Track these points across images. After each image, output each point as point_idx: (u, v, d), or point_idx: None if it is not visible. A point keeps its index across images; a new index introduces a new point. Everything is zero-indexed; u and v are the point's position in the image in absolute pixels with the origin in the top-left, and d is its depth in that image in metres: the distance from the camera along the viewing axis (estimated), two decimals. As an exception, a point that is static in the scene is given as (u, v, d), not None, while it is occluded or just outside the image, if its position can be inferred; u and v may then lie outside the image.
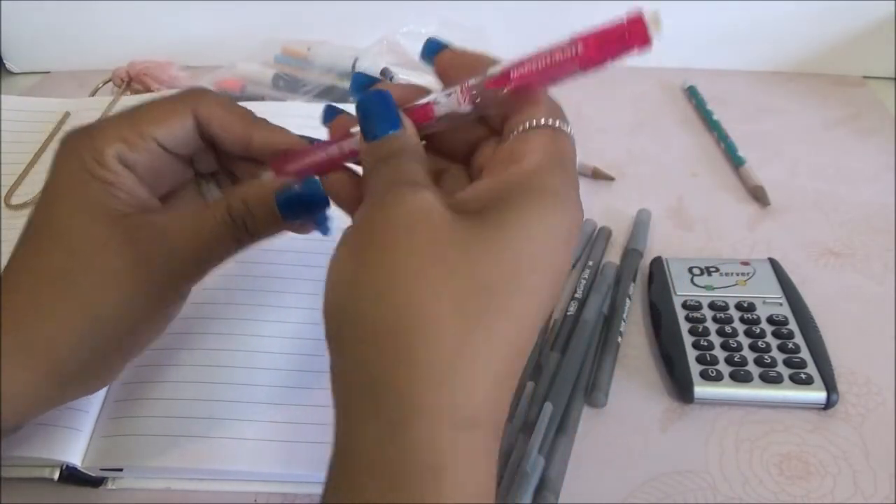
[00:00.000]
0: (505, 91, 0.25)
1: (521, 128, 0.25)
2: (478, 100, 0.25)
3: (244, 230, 0.28)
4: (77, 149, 0.27)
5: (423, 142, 0.27)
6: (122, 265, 0.26)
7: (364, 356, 0.20)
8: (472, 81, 0.25)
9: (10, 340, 0.25)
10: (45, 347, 0.25)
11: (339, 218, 0.29)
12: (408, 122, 0.26)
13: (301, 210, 0.28)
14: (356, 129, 0.27)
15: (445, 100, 0.26)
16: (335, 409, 0.22)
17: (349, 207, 0.28)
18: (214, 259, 0.29)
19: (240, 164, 0.31)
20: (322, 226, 0.31)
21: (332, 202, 0.28)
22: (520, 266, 0.21)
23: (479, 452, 0.20)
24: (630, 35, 0.24)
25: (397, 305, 0.20)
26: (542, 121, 0.25)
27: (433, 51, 0.28)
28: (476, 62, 0.26)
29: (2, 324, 0.25)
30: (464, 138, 0.28)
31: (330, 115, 0.29)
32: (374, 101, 0.25)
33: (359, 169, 0.28)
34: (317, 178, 0.28)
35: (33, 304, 0.25)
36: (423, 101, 0.26)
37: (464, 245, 0.21)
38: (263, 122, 0.30)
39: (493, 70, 0.25)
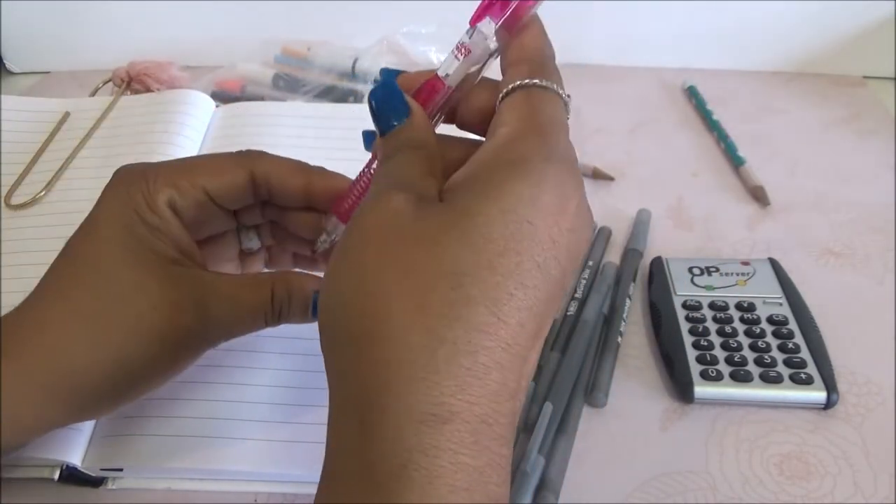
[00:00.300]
0: (494, 26, 0.25)
1: (502, 93, 0.24)
2: (471, 49, 0.25)
3: (277, 316, 0.29)
4: (130, 187, 0.27)
5: (441, 121, 0.27)
6: (158, 315, 0.26)
7: (338, 359, 0.21)
8: (461, 38, 0.26)
9: (31, 371, 0.25)
10: (63, 381, 0.26)
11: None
12: (416, 107, 0.25)
13: None
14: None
15: (445, 64, 0.26)
16: (329, 406, 0.22)
17: None
18: (243, 330, 0.29)
19: (289, 215, 0.32)
20: None
21: None
22: (490, 248, 0.20)
23: (456, 446, 0.19)
24: None
25: (361, 309, 0.20)
26: (518, 82, 0.24)
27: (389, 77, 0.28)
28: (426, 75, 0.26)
29: (29, 355, 0.25)
30: (478, 108, 0.27)
31: (369, 140, 0.29)
32: (380, 94, 0.25)
33: None
34: None
35: (58, 338, 0.26)
36: (429, 77, 0.26)
37: (427, 239, 0.20)
38: (321, 170, 0.30)
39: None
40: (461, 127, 0.28)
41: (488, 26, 0.25)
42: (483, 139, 0.25)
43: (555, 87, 0.24)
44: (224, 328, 0.29)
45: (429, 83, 0.26)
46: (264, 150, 0.31)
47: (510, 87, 0.24)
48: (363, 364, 0.20)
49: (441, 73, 0.26)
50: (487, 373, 0.19)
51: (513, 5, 0.25)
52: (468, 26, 0.26)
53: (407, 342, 0.19)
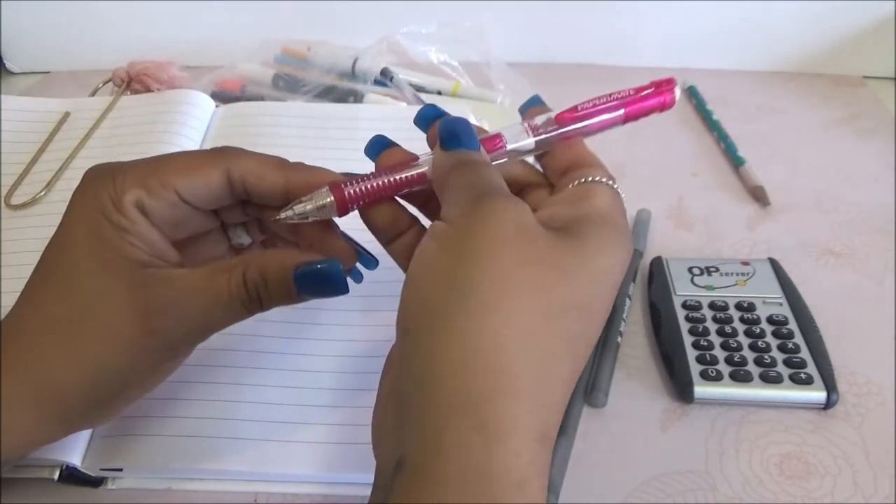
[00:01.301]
0: (562, 130, 0.28)
1: (584, 179, 0.27)
2: (540, 134, 0.28)
3: (256, 301, 0.27)
4: (97, 189, 0.26)
5: None
6: (127, 321, 0.25)
7: (454, 362, 0.20)
8: (536, 120, 0.28)
9: (14, 386, 0.25)
10: (48, 394, 0.25)
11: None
12: (483, 150, 0.27)
13: (318, 287, 0.27)
14: (423, 156, 0.28)
15: (511, 133, 0.28)
16: (402, 410, 0.22)
17: (387, 238, 0.28)
18: (221, 323, 0.28)
19: (269, 213, 0.30)
20: (364, 259, 0.31)
21: (376, 237, 0.29)
22: (596, 290, 0.23)
23: (547, 464, 0.21)
24: (664, 93, 0.29)
25: (495, 317, 0.20)
26: (603, 179, 0.27)
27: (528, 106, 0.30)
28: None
29: (5, 369, 0.25)
30: (514, 180, 0.29)
31: (379, 147, 0.29)
32: (457, 121, 0.27)
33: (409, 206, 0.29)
34: (338, 259, 0.27)
35: (36, 351, 0.25)
36: (493, 133, 0.28)
37: (557, 263, 0.22)
38: (300, 165, 0.29)
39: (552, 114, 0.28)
40: None
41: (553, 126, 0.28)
42: None
43: (623, 196, 0.28)
44: (201, 325, 0.27)
45: (493, 137, 0.28)
46: (264, 150, 0.30)
47: (600, 178, 0.27)
48: (491, 372, 0.20)
49: (503, 138, 0.28)
50: (568, 398, 0.22)
51: (588, 123, 0.28)
52: (552, 120, 0.28)
53: (537, 362, 0.21)
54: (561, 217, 0.25)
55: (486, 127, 0.46)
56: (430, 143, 0.28)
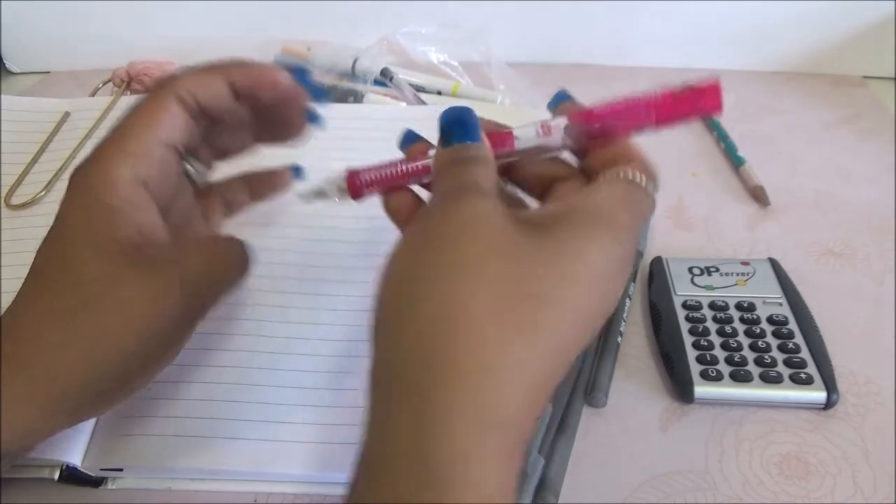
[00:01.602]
0: (586, 127, 0.27)
1: (613, 174, 0.26)
2: (559, 135, 0.27)
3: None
4: (86, 176, 0.27)
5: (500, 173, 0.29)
6: (131, 303, 0.25)
7: (407, 348, 0.21)
8: (548, 120, 0.27)
9: (17, 381, 0.24)
10: (52, 385, 0.25)
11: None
12: (485, 139, 0.27)
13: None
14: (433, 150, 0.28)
15: (523, 131, 0.27)
16: (371, 396, 0.22)
17: (400, 224, 0.29)
18: (228, 286, 0.29)
19: (227, 136, 0.32)
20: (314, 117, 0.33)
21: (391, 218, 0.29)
22: (568, 282, 0.22)
23: (504, 453, 0.20)
24: (705, 98, 0.26)
25: (443, 304, 0.21)
26: (637, 177, 0.26)
27: (557, 101, 0.29)
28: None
29: (7, 365, 0.25)
30: (541, 175, 0.29)
31: (409, 140, 0.30)
32: (458, 112, 0.27)
33: (422, 192, 0.29)
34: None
35: (39, 343, 0.25)
36: (505, 130, 0.28)
37: (517, 254, 0.22)
38: (236, 62, 0.31)
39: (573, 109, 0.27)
40: (516, 181, 0.30)
41: (571, 127, 0.27)
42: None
43: (655, 195, 0.27)
44: (209, 287, 0.28)
45: (504, 134, 0.27)
46: (264, 150, 0.31)
47: (631, 175, 0.26)
48: (435, 358, 0.20)
49: (517, 133, 0.27)
50: (540, 393, 0.21)
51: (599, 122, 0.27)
52: (565, 118, 0.27)
53: (486, 348, 0.20)
54: (549, 212, 0.24)
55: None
56: None
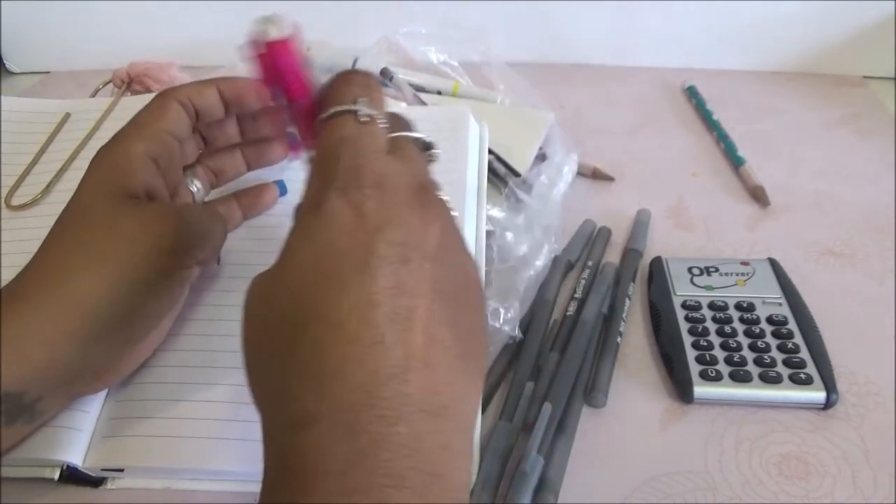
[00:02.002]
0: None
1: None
2: None
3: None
4: (107, 151, 0.32)
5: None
6: (138, 231, 0.29)
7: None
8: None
9: (38, 306, 0.28)
10: (70, 309, 0.28)
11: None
12: None
13: None
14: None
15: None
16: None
17: None
18: (207, 241, 0.33)
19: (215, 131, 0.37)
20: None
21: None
22: (305, 288, 0.23)
23: (327, 440, 0.20)
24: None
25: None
26: (328, 111, 0.26)
27: None
28: None
29: (30, 293, 0.28)
30: None
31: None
32: None
33: None
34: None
35: (59, 273, 0.28)
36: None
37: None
38: (224, 77, 0.36)
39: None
40: None
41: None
42: None
43: (329, 111, 0.27)
44: (202, 225, 0.32)
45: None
46: None
47: (323, 115, 0.27)
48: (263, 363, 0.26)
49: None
50: (357, 376, 0.21)
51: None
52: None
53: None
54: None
55: (485, 131, 0.46)
56: None
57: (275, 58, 0.30)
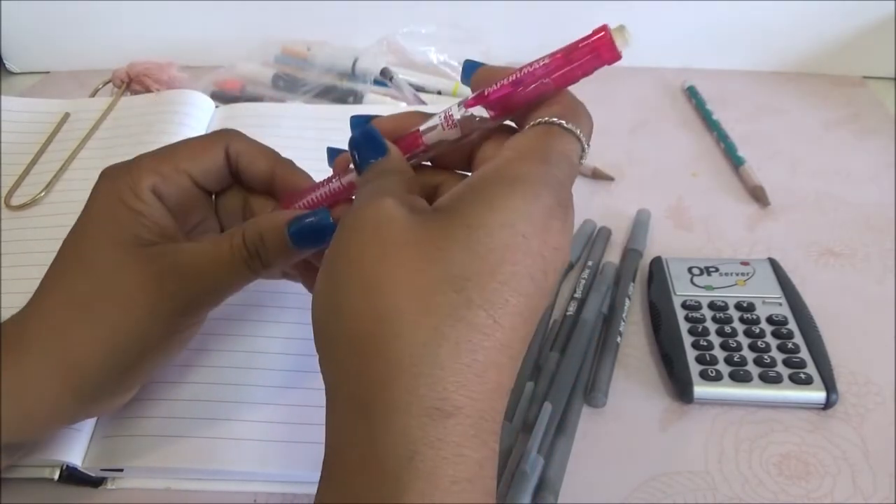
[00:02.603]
0: (490, 117, 0.26)
1: (531, 124, 0.25)
2: (462, 125, 0.27)
3: (257, 259, 0.29)
4: (115, 181, 0.29)
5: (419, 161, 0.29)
6: (142, 290, 0.27)
7: (340, 357, 0.22)
8: (452, 108, 0.27)
9: (36, 359, 0.26)
10: (69, 367, 0.27)
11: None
12: (394, 149, 0.27)
13: (311, 238, 0.29)
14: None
15: (431, 130, 0.27)
16: (326, 408, 0.23)
17: None
18: (229, 286, 0.30)
19: (260, 202, 0.33)
20: None
21: None
22: (490, 256, 0.21)
23: (461, 439, 0.20)
24: (599, 52, 0.25)
25: (366, 309, 0.21)
26: (546, 119, 0.25)
27: (469, 71, 0.29)
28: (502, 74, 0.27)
29: (28, 344, 0.27)
30: (463, 149, 0.29)
31: (332, 155, 0.31)
32: (361, 136, 0.27)
33: None
34: (326, 207, 0.29)
35: (57, 326, 0.27)
36: (412, 131, 0.28)
37: (427, 243, 0.21)
38: (288, 162, 0.32)
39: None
40: (440, 161, 0.30)
41: (480, 111, 0.26)
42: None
43: (578, 131, 0.25)
44: (210, 288, 0.29)
45: (411, 137, 0.28)
46: None
47: (535, 122, 0.25)
48: (369, 361, 0.21)
49: (423, 130, 0.27)
50: (486, 371, 0.21)
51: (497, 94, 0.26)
52: (463, 106, 0.27)
53: (413, 340, 0.20)
54: (453, 195, 0.23)
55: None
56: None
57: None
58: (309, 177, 0.32)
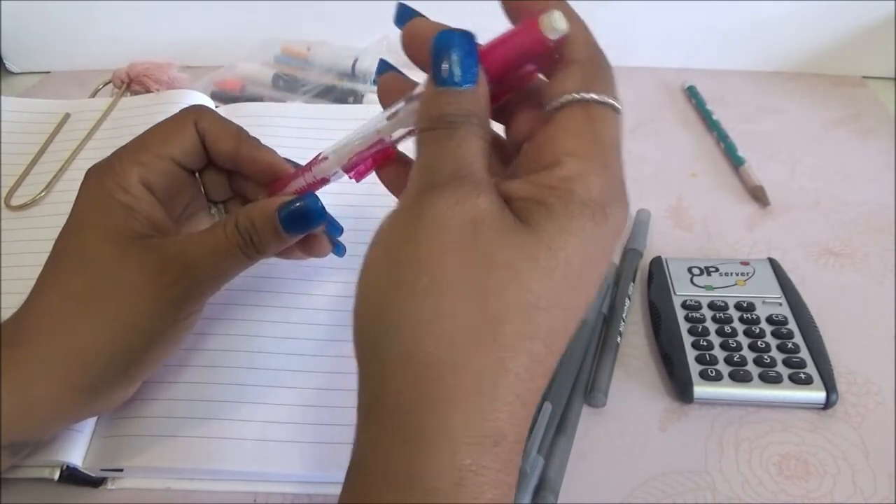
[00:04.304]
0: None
1: (552, 104, 0.23)
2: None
3: (251, 245, 0.29)
4: (100, 177, 0.29)
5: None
6: (139, 282, 0.28)
7: (390, 373, 0.20)
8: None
9: (39, 355, 0.27)
10: (73, 360, 0.27)
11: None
12: (483, 80, 0.23)
13: (300, 223, 0.29)
14: (325, 154, 0.29)
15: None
16: (359, 413, 0.22)
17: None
18: (225, 273, 0.30)
19: (249, 185, 0.33)
20: (337, 248, 0.34)
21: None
22: (563, 287, 0.21)
23: (501, 465, 0.20)
24: (530, 44, 0.22)
25: (432, 328, 0.20)
26: (575, 95, 0.22)
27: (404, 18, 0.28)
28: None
29: (30, 341, 0.27)
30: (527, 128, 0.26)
31: (383, 69, 0.29)
32: (458, 40, 0.23)
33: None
34: (316, 194, 0.29)
35: (60, 321, 0.27)
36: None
37: (504, 262, 0.20)
38: (253, 141, 0.32)
39: None
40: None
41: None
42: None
43: (612, 101, 0.23)
44: (205, 276, 0.29)
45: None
46: None
47: (566, 98, 0.22)
48: (425, 385, 0.20)
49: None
50: (531, 398, 0.21)
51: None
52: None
53: (476, 370, 0.20)
54: (520, 194, 0.22)
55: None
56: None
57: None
58: (275, 153, 0.32)
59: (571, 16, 0.23)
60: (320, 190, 0.31)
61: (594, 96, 0.22)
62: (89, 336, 0.27)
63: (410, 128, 0.26)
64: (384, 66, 0.29)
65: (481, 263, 0.20)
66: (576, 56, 0.23)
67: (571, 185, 0.21)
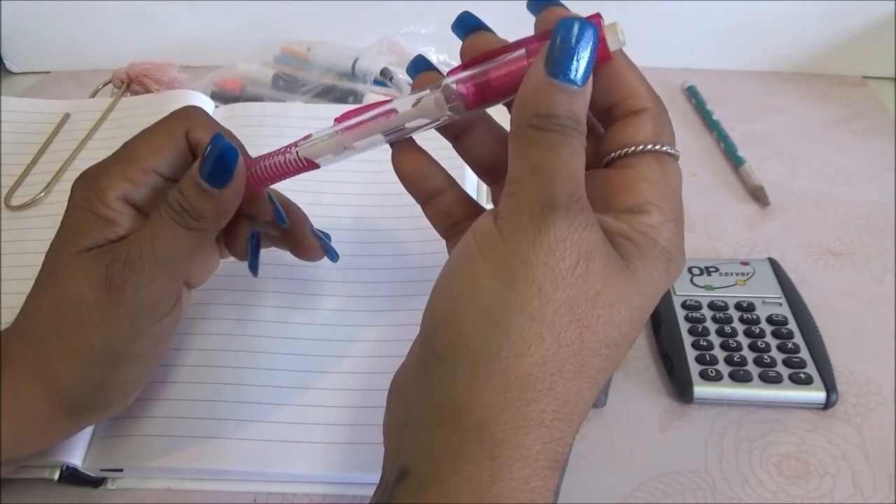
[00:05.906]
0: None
1: (624, 151, 0.24)
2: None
3: (184, 213, 0.27)
4: (84, 192, 0.28)
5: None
6: (90, 297, 0.26)
7: (482, 399, 0.21)
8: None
9: (23, 382, 0.27)
10: (51, 385, 0.27)
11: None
12: (591, 84, 0.22)
13: (218, 169, 0.27)
14: (302, 142, 0.28)
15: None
16: (413, 414, 0.23)
17: (421, 197, 0.30)
18: (173, 258, 0.27)
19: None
20: (330, 254, 0.34)
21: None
22: (635, 323, 0.22)
23: (553, 486, 0.21)
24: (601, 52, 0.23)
25: (532, 357, 0.21)
26: (651, 146, 0.24)
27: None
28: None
29: (15, 365, 0.27)
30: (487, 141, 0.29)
31: (419, 68, 0.30)
32: (591, 34, 0.22)
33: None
34: (221, 134, 0.28)
35: (36, 345, 0.27)
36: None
37: (607, 300, 0.21)
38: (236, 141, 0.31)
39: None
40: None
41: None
42: None
43: (678, 153, 0.24)
44: (154, 263, 0.27)
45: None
46: (264, 150, 0.31)
47: (641, 148, 0.24)
48: (514, 405, 0.21)
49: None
50: (580, 425, 0.23)
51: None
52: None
53: (561, 398, 0.21)
54: (615, 229, 0.23)
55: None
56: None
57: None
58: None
59: (628, 61, 0.25)
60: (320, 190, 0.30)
61: (667, 149, 0.24)
62: (61, 359, 0.27)
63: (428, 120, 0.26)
64: (422, 63, 0.30)
65: (587, 298, 0.21)
66: (644, 104, 0.24)
67: (656, 234, 0.23)
